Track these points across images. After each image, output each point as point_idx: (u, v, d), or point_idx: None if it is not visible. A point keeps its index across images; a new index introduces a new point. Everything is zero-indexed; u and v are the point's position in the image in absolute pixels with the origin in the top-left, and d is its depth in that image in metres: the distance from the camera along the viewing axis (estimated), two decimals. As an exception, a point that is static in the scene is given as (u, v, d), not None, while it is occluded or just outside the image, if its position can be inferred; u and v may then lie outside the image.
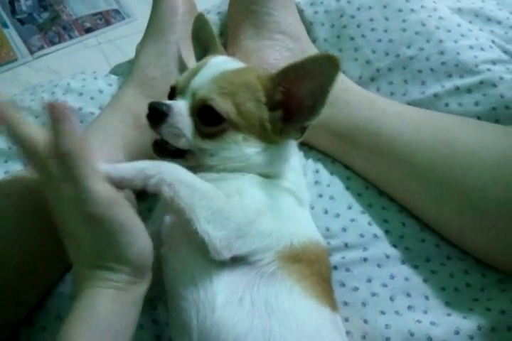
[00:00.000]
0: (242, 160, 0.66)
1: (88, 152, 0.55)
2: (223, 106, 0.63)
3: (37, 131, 0.56)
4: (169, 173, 0.58)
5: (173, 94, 0.69)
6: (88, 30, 2.05)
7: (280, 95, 0.66)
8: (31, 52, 1.96)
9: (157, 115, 0.64)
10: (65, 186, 0.54)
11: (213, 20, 1.05)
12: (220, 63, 0.70)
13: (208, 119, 0.64)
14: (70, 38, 2.02)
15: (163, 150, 0.66)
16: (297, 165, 0.74)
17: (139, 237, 0.56)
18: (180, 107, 0.65)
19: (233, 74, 0.67)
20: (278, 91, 0.65)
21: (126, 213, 0.55)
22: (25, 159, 0.60)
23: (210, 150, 0.65)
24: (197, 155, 0.66)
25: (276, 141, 0.68)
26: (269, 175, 0.68)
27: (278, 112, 0.66)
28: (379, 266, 0.76)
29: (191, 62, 0.86)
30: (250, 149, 0.66)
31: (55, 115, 0.54)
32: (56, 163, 0.54)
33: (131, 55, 1.01)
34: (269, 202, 0.64)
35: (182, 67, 0.89)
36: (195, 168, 0.65)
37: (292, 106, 0.65)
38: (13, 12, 2.07)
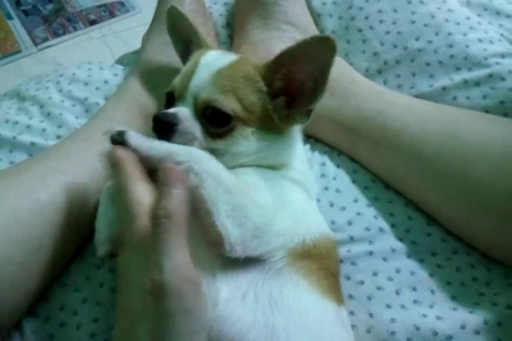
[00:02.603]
0: (252, 153, 0.66)
1: (185, 221, 0.52)
2: (228, 104, 0.63)
3: (147, 192, 0.55)
4: (198, 162, 0.58)
5: (171, 99, 0.68)
6: (92, 22, 2.04)
7: (280, 82, 0.66)
8: (35, 44, 1.96)
9: (166, 126, 0.63)
10: (147, 249, 0.51)
11: (220, 11, 1.05)
12: (213, 60, 0.68)
13: (216, 120, 0.64)
14: (75, 29, 2.01)
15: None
16: (303, 154, 0.75)
17: (202, 330, 0.51)
18: (186, 113, 0.64)
19: (230, 69, 0.66)
20: (277, 78, 0.66)
21: (197, 298, 0.51)
22: (124, 219, 0.56)
23: (221, 149, 0.65)
24: None
25: (283, 129, 0.68)
26: (278, 166, 0.68)
27: (280, 99, 0.66)
28: (385, 259, 0.75)
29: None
30: (260, 142, 0.66)
31: (169, 178, 0.53)
32: (152, 224, 0.51)
33: (136, 47, 1.01)
34: (283, 197, 0.64)
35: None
36: None
37: (293, 90, 0.66)
38: (17, 3, 2.07)
